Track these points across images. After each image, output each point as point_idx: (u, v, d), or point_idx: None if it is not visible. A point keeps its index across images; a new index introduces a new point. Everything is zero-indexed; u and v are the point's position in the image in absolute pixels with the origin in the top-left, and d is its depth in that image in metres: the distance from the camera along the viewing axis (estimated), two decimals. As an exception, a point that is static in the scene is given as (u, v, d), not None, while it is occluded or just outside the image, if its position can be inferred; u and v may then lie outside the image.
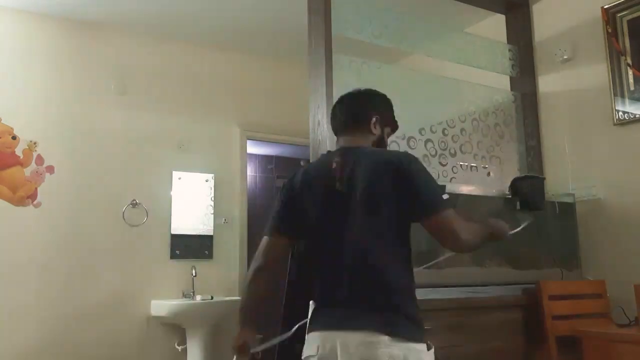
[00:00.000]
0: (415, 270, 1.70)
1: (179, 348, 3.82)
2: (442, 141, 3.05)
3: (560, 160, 3.24)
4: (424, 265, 2.22)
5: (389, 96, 1.88)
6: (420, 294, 2.33)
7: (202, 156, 4.20)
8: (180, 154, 4.11)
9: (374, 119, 1.78)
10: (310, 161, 2.71)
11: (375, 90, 1.88)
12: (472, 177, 3.14)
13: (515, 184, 2.92)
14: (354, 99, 1.85)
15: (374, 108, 1.81)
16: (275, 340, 1.83)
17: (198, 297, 3.85)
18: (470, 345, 2.42)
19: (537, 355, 2.61)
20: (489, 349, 2.41)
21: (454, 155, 3.09)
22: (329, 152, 1.88)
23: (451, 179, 3.05)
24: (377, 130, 1.79)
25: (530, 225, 2.28)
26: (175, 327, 3.83)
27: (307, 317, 1.98)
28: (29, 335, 3.45)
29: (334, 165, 1.69)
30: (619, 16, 3.03)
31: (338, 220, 1.66)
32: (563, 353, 2.58)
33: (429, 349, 1.56)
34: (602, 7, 3.07)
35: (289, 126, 4.47)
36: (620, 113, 2.99)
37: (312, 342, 1.62)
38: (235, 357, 1.73)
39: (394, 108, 1.88)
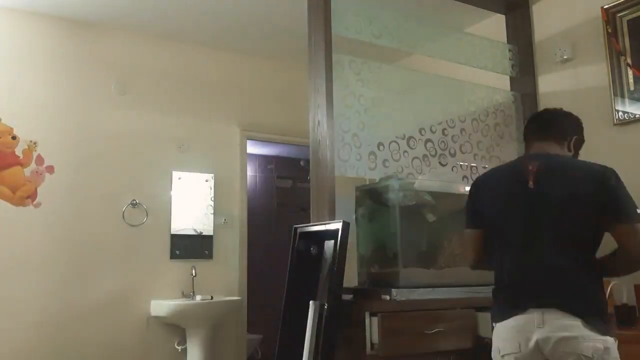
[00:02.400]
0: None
1: (179, 348, 3.83)
2: (442, 141, 3.05)
3: (560, 160, 3.23)
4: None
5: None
6: (421, 294, 2.36)
7: (202, 156, 4.20)
8: (180, 154, 4.12)
9: (573, 140, 2.03)
10: (310, 161, 2.71)
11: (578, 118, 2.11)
12: (472, 177, 3.14)
13: (515, 184, 2.91)
14: (565, 117, 2.08)
15: (575, 131, 2.06)
16: None
17: (198, 297, 3.85)
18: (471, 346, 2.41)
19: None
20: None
21: (454, 155, 3.09)
22: (524, 155, 2.06)
23: (451, 179, 3.06)
24: (571, 150, 2.03)
25: None
26: (175, 327, 3.83)
27: (306, 317, 1.96)
28: (29, 335, 3.45)
29: (530, 165, 1.88)
30: (619, 16, 3.03)
31: (524, 216, 1.85)
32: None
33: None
34: (602, 7, 3.07)
35: (289, 126, 4.47)
36: (620, 113, 2.99)
37: (510, 338, 1.78)
38: None
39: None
